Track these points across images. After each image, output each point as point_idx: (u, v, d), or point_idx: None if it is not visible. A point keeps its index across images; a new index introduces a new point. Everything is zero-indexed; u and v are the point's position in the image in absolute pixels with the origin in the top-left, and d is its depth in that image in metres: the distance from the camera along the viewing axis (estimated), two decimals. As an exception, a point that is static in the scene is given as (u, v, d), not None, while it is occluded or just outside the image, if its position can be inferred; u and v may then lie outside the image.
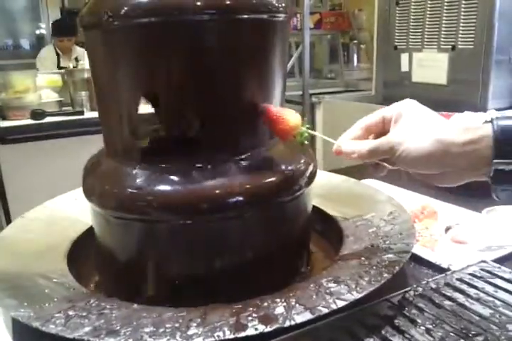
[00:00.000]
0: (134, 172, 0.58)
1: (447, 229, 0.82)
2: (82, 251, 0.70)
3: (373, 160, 0.57)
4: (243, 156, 0.59)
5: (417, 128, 0.53)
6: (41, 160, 2.20)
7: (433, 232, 0.78)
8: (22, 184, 2.14)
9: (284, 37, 0.58)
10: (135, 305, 0.52)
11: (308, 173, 0.63)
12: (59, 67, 3.53)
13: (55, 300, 0.53)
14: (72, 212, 0.79)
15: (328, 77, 4.12)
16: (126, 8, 0.51)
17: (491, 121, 0.49)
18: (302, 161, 0.63)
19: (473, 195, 0.94)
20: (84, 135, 2.23)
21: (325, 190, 0.86)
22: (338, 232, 0.73)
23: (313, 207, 0.73)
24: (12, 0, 4.97)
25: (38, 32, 5.06)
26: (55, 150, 2.23)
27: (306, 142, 0.58)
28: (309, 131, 0.57)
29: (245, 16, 0.52)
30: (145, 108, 0.55)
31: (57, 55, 3.70)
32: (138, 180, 0.57)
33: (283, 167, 0.60)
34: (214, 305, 0.52)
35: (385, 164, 0.57)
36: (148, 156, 0.57)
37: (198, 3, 0.50)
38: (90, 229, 0.69)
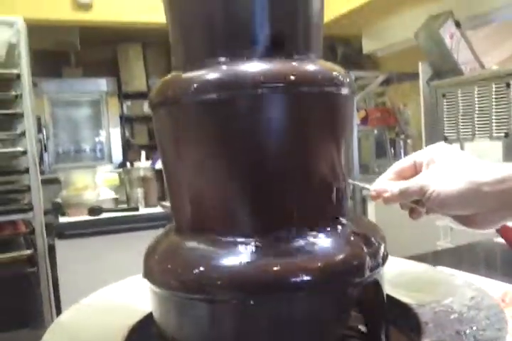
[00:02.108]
0: (198, 247, 0.56)
1: (537, 317, 0.74)
2: (140, 339, 0.66)
3: (407, 202, 0.57)
4: (314, 232, 0.56)
5: (447, 169, 0.52)
6: (95, 254, 2.22)
7: (521, 321, 0.70)
8: (75, 276, 2.15)
9: (349, 111, 0.58)
10: None
11: (381, 252, 0.60)
12: None
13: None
14: (128, 299, 0.77)
15: (376, 172, 4.13)
16: (193, 86, 0.53)
17: None
18: (376, 239, 0.60)
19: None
20: (138, 231, 2.27)
21: (392, 275, 0.80)
22: (414, 320, 0.66)
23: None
24: (77, 110, 5.41)
25: (97, 139, 5.41)
26: (110, 245, 2.26)
27: None
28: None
29: (311, 89, 0.53)
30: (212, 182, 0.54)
31: None
32: (202, 257, 0.55)
33: (359, 244, 0.57)
34: None
35: (420, 208, 0.56)
36: (215, 229, 0.56)
37: (263, 79, 0.51)
38: (148, 316, 0.65)
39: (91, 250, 2.25)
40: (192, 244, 0.57)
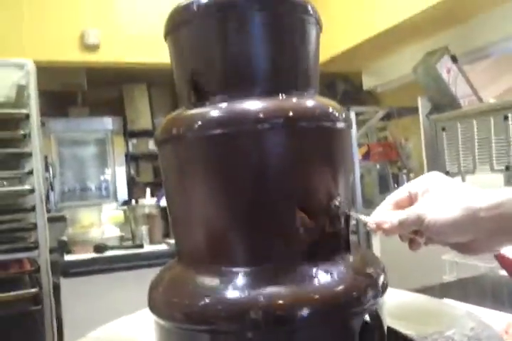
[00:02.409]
0: (201, 279, 0.57)
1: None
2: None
3: (406, 233, 0.58)
4: (314, 264, 0.57)
5: (442, 197, 0.53)
6: (100, 292, 2.22)
7: (526, 351, 0.70)
8: (79, 314, 2.13)
9: (346, 144, 0.60)
10: None
11: (380, 282, 0.61)
12: None
13: None
14: (134, 333, 0.77)
15: (380, 206, 4.12)
16: (197, 123, 0.56)
17: None
18: (376, 270, 0.61)
19: None
20: (143, 268, 2.27)
21: (393, 307, 0.80)
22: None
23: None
24: (83, 148, 5.48)
25: (102, 177, 5.46)
26: (115, 283, 2.26)
27: None
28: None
29: (309, 124, 0.55)
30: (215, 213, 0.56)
31: None
32: (205, 289, 0.56)
33: (358, 276, 0.58)
34: None
35: (420, 238, 0.57)
36: (218, 261, 0.57)
37: (263, 115, 0.54)
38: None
39: (96, 288, 2.24)
40: (195, 275, 0.58)
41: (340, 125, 0.58)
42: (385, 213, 0.59)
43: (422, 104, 2.76)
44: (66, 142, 5.35)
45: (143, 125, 5.24)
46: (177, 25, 0.58)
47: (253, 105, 0.55)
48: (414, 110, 2.88)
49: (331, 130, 0.58)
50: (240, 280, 0.55)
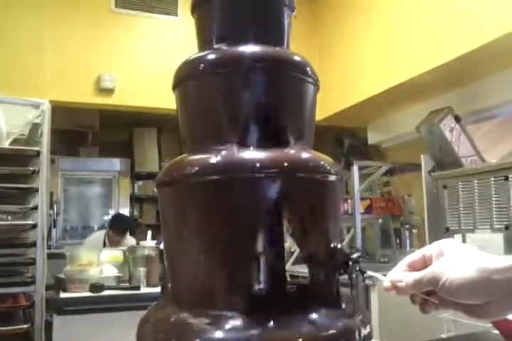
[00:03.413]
0: (190, 320, 0.59)
1: None
2: None
3: (420, 294, 0.59)
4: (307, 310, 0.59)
5: (459, 259, 0.56)
6: (93, 332, 2.18)
7: None
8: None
9: (336, 195, 0.64)
10: None
11: (365, 332, 0.63)
12: None
13: None
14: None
15: (381, 261, 4.09)
16: (197, 168, 0.60)
17: None
18: (359, 319, 0.63)
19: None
20: (139, 310, 2.22)
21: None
22: None
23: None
24: (89, 187, 5.53)
25: (106, 217, 5.47)
26: (109, 323, 2.23)
27: None
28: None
29: (302, 175, 0.59)
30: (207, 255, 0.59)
31: (104, 242, 3.86)
32: (194, 330, 0.58)
33: (343, 324, 0.60)
34: None
35: (433, 299, 0.58)
36: (208, 304, 0.59)
37: (259, 165, 0.58)
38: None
39: (89, 327, 2.21)
40: (184, 316, 0.60)
41: (331, 177, 0.62)
42: (400, 274, 0.61)
43: (425, 162, 2.81)
44: (73, 180, 5.41)
45: (150, 168, 5.32)
46: (184, 79, 0.63)
47: (249, 155, 0.59)
48: (417, 167, 2.93)
49: (323, 182, 0.62)
50: (229, 324, 0.58)
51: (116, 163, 5.37)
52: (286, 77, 0.61)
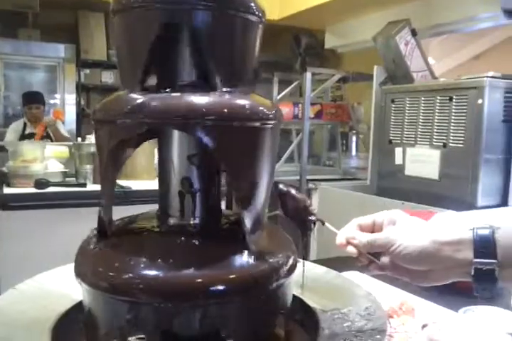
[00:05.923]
0: (127, 256, 0.62)
1: (423, 326, 0.84)
2: (68, 326, 0.72)
3: (367, 255, 0.66)
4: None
5: (411, 229, 0.63)
6: (39, 229, 2.23)
7: (408, 329, 0.81)
8: (17, 251, 2.15)
9: (273, 140, 0.64)
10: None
11: (288, 266, 0.67)
12: (23, 135, 3.89)
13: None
14: (64, 287, 0.82)
15: (326, 164, 4.25)
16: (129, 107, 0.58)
17: (473, 230, 0.60)
18: (283, 254, 0.67)
19: (453, 293, 0.97)
20: (84, 207, 2.27)
21: (309, 280, 0.89)
22: (315, 324, 0.75)
23: (295, 297, 0.76)
24: (31, 73, 5.25)
25: (52, 102, 5.28)
26: (55, 220, 2.27)
27: None
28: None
29: (239, 123, 0.59)
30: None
31: (24, 124, 4.02)
32: (129, 264, 0.61)
33: (265, 260, 0.64)
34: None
35: (377, 261, 0.66)
36: (139, 236, 0.62)
37: (204, 110, 0.57)
38: (78, 305, 0.71)
39: (35, 223, 2.25)
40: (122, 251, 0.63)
41: (269, 124, 0.62)
42: (354, 232, 0.67)
43: (377, 73, 2.81)
44: (14, 65, 5.10)
45: (97, 56, 5.07)
46: (117, 9, 0.59)
47: (179, 98, 0.57)
48: (370, 77, 2.93)
49: (260, 128, 0.61)
50: (159, 258, 0.61)
51: (60, 49, 5.04)
52: (223, 14, 0.57)
